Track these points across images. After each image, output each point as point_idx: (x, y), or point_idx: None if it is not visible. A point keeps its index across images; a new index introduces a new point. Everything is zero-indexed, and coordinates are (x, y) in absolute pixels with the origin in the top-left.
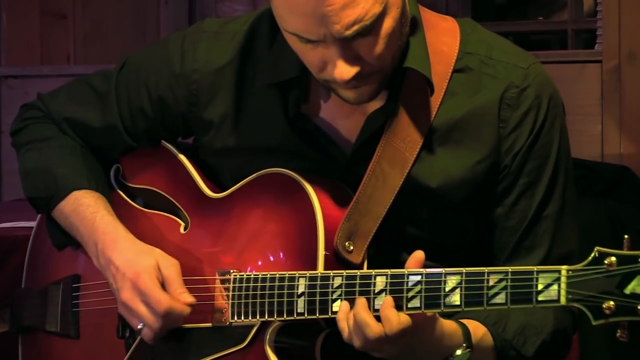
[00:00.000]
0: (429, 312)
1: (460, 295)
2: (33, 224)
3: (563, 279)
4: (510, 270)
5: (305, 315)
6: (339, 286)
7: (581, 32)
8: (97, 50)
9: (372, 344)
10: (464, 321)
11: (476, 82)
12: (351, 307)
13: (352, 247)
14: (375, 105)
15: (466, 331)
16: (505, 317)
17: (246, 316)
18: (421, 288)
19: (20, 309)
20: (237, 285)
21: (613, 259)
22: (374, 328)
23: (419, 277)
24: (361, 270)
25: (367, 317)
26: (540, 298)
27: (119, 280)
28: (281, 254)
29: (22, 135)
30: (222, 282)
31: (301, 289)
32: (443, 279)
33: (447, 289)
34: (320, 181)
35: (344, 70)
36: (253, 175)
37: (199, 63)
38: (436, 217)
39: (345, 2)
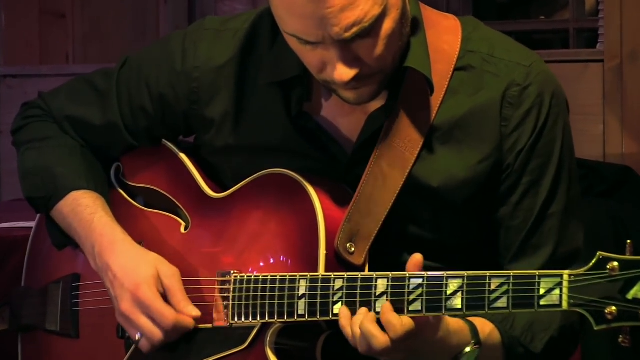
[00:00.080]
0: (432, 316)
1: (462, 299)
2: (32, 224)
3: (565, 284)
4: (512, 274)
5: (306, 317)
6: (340, 288)
7: (583, 32)
8: (97, 50)
9: (378, 352)
10: (471, 318)
11: (478, 80)
12: (351, 312)
13: (353, 249)
14: (376, 104)
15: (473, 328)
16: (513, 314)
17: (247, 317)
18: (422, 291)
19: (20, 308)
20: (237, 286)
21: (615, 264)
22: (380, 339)
23: (420, 280)
24: (362, 273)
25: (373, 329)
26: (542, 303)
27: (117, 289)
28: (282, 255)
29: (22, 134)
30: (223, 283)
31: (302, 291)
32: (444, 282)
33: (448, 293)
34: (321, 182)
35: (344, 72)
36: (254, 175)
37: (200, 61)
38: (438, 217)
39: (344, 4)
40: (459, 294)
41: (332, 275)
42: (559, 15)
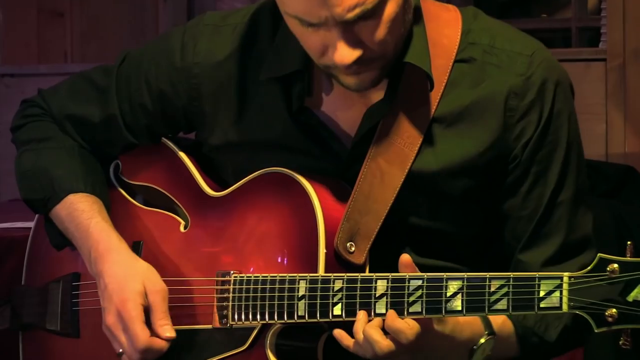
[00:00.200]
0: (434, 318)
1: (462, 300)
2: (30, 224)
3: (565, 286)
4: (512, 276)
5: (306, 319)
6: (340, 289)
7: (585, 30)
8: (95, 49)
9: (385, 358)
10: None
11: (480, 72)
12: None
13: (353, 248)
14: (376, 97)
15: (485, 318)
16: None
17: (247, 318)
18: (422, 293)
19: (21, 307)
20: (237, 287)
21: (615, 265)
22: (382, 344)
23: (420, 282)
24: (362, 274)
25: (375, 334)
26: (542, 305)
27: (106, 300)
28: (282, 255)
29: (21, 133)
30: (222, 283)
31: (302, 292)
32: (444, 284)
33: (448, 294)
34: (321, 180)
35: (345, 54)
36: (253, 174)
37: (199, 57)
38: (439, 212)
39: None
40: (459, 295)
41: (332, 276)
42: (561, 13)
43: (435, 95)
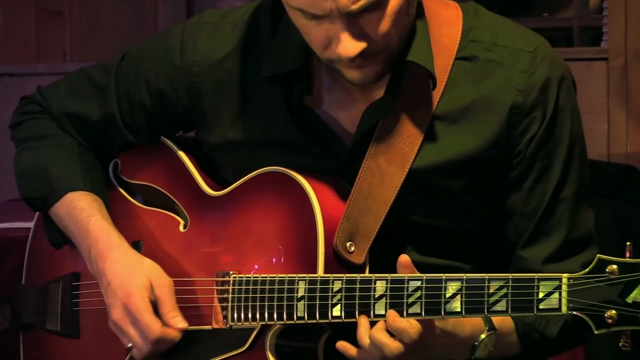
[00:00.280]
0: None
1: (461, 302)
2: (30, 224)
3: (564, 287)
4: (511, 277)
5: (306, 319)
6: (339, 290)
7: (587, 29)
8: (94, 48)
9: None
10: None
11: (482, 69)
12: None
13: (353, 248)
14: (377, 96)
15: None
16: None
17: (246, 319)
18: (421, 294)
19: (21, 307)
20: (236, 287)
21: (614, 267)
22: (392, 347)
23: (419, 283)
24: (361, 275)
25: (383, 337)
26: (541, 306)
27: (110, 296)
28: (281, 255)
29: (20, 131)
30: (222, 283)
31: (301, 293)
32: (444, 285)
33: (447, 295)
34: (320, 179)
35: (349, 46)
36: (252, 173)
37: (199, 55)
38: (440, 209)
39: None
40: (458, 296)
41: (331, 277)
42: (563, 12)
43: (436, 94)
